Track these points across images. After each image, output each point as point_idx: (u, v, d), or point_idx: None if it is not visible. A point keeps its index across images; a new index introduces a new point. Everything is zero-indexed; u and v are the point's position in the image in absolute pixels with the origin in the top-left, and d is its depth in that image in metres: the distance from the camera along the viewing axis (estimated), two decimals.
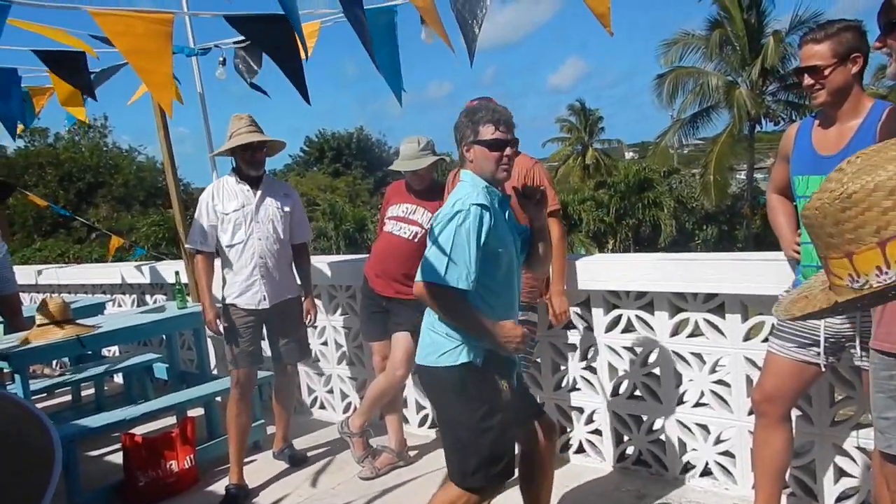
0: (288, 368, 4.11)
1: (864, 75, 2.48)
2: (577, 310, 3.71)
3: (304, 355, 4.15)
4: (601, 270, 3.57)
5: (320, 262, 4.70)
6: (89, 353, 5.14)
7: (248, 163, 3.77)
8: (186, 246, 3.95)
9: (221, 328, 3.86)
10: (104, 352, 6.08)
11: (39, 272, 7.20)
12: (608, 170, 35.55)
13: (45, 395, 5.39)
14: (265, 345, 4.02)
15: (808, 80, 2.46)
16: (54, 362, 5.90)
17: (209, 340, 5.21)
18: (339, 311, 4.73)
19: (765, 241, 29.30)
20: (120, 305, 6.47)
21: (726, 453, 3.37)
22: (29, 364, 4.39)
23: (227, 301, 3.83)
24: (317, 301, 4.79)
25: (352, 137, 41.18)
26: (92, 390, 5.58)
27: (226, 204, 3.77)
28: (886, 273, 1.05)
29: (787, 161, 2.64)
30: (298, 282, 4.01)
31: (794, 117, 27.09)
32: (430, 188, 3.79)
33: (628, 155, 47.42)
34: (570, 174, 38.12)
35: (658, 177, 31.12)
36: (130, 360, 5.29)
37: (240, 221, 3.75)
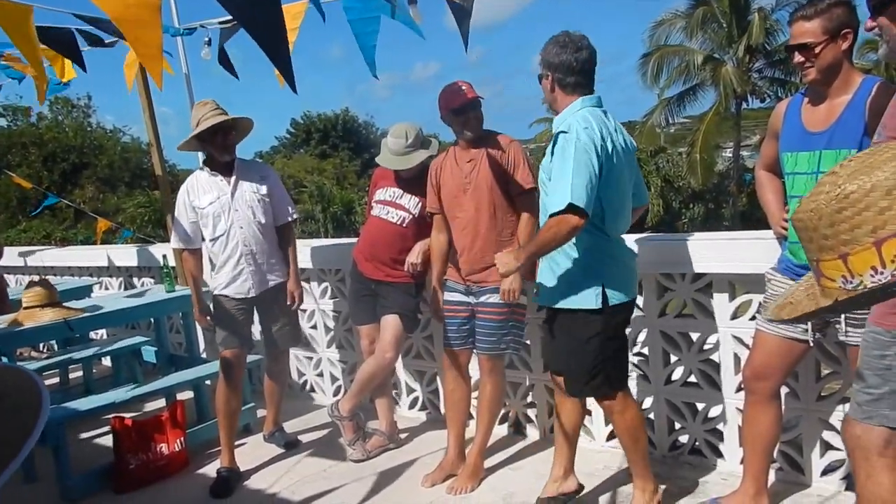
0: (282, 353, 4.11)
1: (853, 51, 2.49)
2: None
3: (297, 340, 4.15)
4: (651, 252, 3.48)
5: (308, 246, 4.68)
6: (77, 335, 5.13)
7: (221, 147, 3.71)
8: (171, 246, 3.95)
9: (210, 322, 3.87)
10: (92, 335, 6.05)
11: (24, 254, 7.12)
12: None
13: None
14: (256, 330, 4.01)
15: (798, 58, 2.45)
16: (42, 345, 5.88)
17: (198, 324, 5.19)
18: (328, 295, 4.72)
19: (751, 218, 29.45)
20: (107, 288, 6.42)
21: (714, 431, 3.41)
22: (16, 347, 4.35)
23: (216, 292, 3.81)
24: (306, 285, 4.79)
25: (338, 119, 40.88)
26: (80, 373, 5.56)
27: (201, 198, 3.73)
28: (882, 273, 1.06)
29: (776, 138, 2.65)
30: None
31: (780, 94, 27.13)
32: (418, 176, 3.76)
33: None
34: None
35: (645, 156, 31.11)
36: (119, 343, 5.26)
37: (218, 213, 3.71)
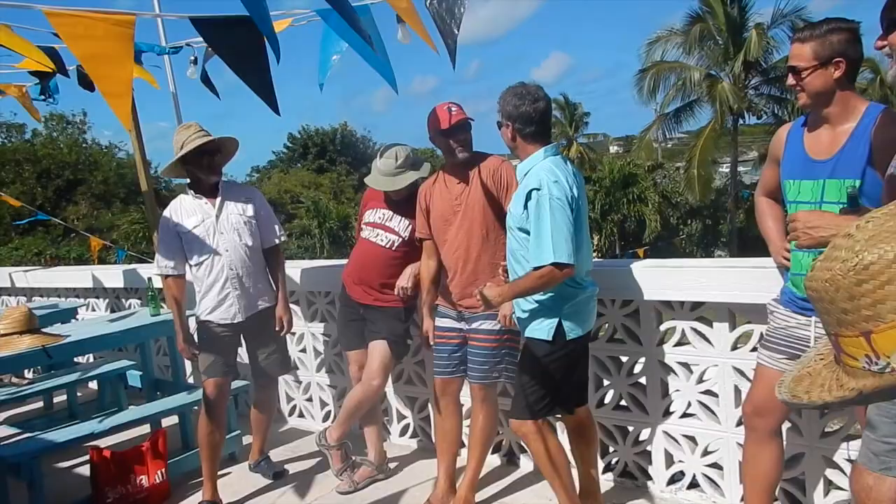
0: (270, 381, 3.99)
1: (854, 78, 2.38)
2: (623, 320, 3.53)
3: (286, 368, 4.01)
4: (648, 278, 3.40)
5: (298, 268, 4.57)
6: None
7: (207, 169, 3.61)
8: (154, 271, 3.80)
9: (194, 352, 3.71)
10: (78, 358, 5.91)
11: (11, 275, 7.00)
12: (592, 164, 35.55)
13: (12, 404, 5.20)
14: (243, 355, 3.89)
15: (790, 80, 2.39)
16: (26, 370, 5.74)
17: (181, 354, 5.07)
18: (317, 318, 4.60)
19: (748, 235, 29.43)
20: (94, 310, 6.30)
21: (714, 465, 3.28)
22: None
23: (201, 318, 3.68)
24: (295, 308, 4.68)
25: (336, 133, 40.88)
26: (65, 396, 5.42)
27: (185, 221, 3.61)
28: None
29: (777, 163, 2.54)
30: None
31: (776, 111, 27.21)
32: (407, 199, 3.66)
33: (613, 149, 47.51)
34: None
35: (642, 172, 31.15)
36: (103, 367, 5.13)
37: (203, 236, 3.59)
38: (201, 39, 4.26)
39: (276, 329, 3.81)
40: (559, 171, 2.80)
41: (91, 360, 5.95)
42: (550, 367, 2.89)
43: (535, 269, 2.73)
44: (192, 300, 3.76)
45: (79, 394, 5.58)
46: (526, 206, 2.78)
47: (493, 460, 3.85)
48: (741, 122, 28.27)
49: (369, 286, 3.69)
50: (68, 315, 5.61)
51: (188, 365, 5.23)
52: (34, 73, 4.59)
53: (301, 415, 4.85)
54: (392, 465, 3.96)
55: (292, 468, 4.11)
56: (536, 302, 2.90)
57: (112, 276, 6.00)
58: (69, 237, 22.05)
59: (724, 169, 31.32)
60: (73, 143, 27.80)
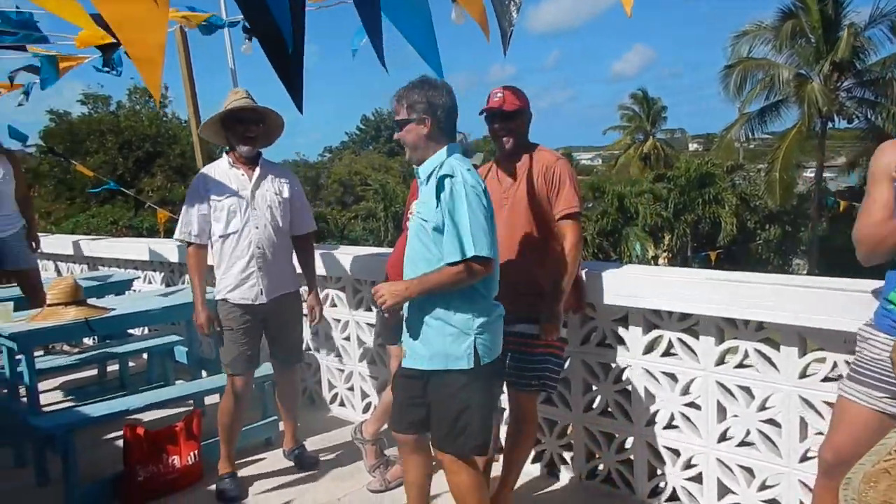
0: (290, 370, 3.87)
1: None
2: (611, 325, 3.38)
3: (299, 358, 3.88)
4: (639, 285, 3.21)
5: (345, 255, 4.45)
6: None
7: (241, 138, 3.46)
8: (176, 236, 3.60)
9: (215, 330, 3.57)
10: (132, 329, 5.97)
11: (76, 243, 7.14)
12: (669, 161, 34.54)
13: (69, 370, 5.28)
14: (264, 341, 3.77)
15: None
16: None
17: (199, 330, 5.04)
18: (363, 306, 4.47)
19: (831, 245, 28.08)
20: (150, 282, 6.36)
21: (772, 501, 3.00)
22: (35, 346, 4.25)
23: (220, 296, 3.53)
24: (341, 294, 4.57)
25: None
26: (118, 366, 5.47)
27: (219, 190, 3.47)
28: None
29: (891, 182, 2.13)
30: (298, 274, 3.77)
31: (869, 116, 25.80)
32: None
33: (692, 146, 46.18)
34: (629, 164, 37.19)
35: (720, 172, 30.05)
36: (153, 341, 5.17)
37: (234, 209, 3.45)
38: None
39: (310, 320, 3.71)
40: (468, 165, 2.59)
41: (146, 331, 6.00)
42: (472, 400, 2.57)
43: (450, 264, 2.47)
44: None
45: (131, 364, 5.64)
46: (439, 198, 2.51)
47: (531, 469, 3.66)
48: (830, 125, 26.90)
49: None
50: (122, 287, 5.66)
51: None
52: (98, 47, 4.58)
53: (342, 403, 4.75)
54: None
55: (327, 459, 4.01)
56: (447, 324, 2.56)
57: (169, 250, 6.03)
58: (144, 208, 22.66)
59: (809, 174, 29.93)
60: (153, 116, 28.56)
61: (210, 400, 4.50)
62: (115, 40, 4.23)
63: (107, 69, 4.85)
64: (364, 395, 4.60)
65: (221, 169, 3.53)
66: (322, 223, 29.97)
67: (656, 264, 27.71)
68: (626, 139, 38.34)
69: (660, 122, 38.27)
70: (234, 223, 3.46)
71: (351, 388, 4.68)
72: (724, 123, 29.31)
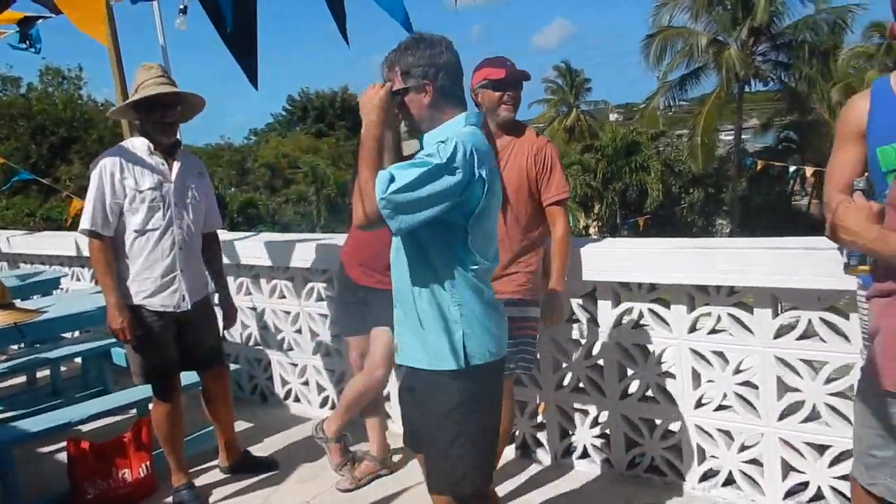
0: (218, 372, 3.53)
1: None
2: (580, 301, 3.30)
3: (222, 360, 3.57)
4: (608, 259, 3.14)
5: (293, 243, 4.24)
6: None
7: (158, 125, 3.10)
8: (81, 227, 3.11)
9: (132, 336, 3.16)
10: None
11: None
12: (593, 132, 35.00)
13: None
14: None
15: None
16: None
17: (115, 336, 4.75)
18: (314, 297, 4.27)
19: (750, 204, 29.12)
20: (78, 280, 5.97)
21: (753, 461, 2.99)
22: None
23: (135, 302, 3.15)
24: (289, 284, 4.37)
25: (336, 97, 40.11)
26: (48, 372, 5.11)
27: (139, 179, 3.10)
28: None
29: (858, 140, 2.12)
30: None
31: (783, 78, 26.71)
32: None
33: (613, 116, 46.94)
34: (554, 137, 37.53)
35: (645, 140, 30.66)
36: (85, 344, 4.83)
37: (157, 203, 3.11)
38: None
39: (227, 325, 3.53)
40: (480, 144, 2.07)
41: (76, 334, 5.63)
42: (467, 419, 2.13)
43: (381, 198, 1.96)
44: None
45: (63, 369, 5.29)
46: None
47: (507, 452, 3.57)
48: (747, 89, 27.76)
49: (370, 267, 3.35)
50: (49, 286, 5.29)
51: None
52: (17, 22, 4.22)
53: (297, 399, 4.55)
54: (396, 459, 3.66)
55: (287, 459, 3.81)
56: (436, 314, 2.12)
57: None
58: (58, 196, 21.38)
59: (728, 137, 30.83)
60: (68, 99, 26.89)
61: None
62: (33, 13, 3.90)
63: (24, 45, 4.47)
64: (321, 389, 4.41)
65: (139, 154, 3.15)
66: (252, 209, 29.21)
67: (587, 234, 28.20)
68: (551, 112, 38.62)
69: (583, 94, 38.66)
70: (156, 219, 3.12)
71: (306, 383, 4.48)
72: (644, 93, 29.96)
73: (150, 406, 3.48)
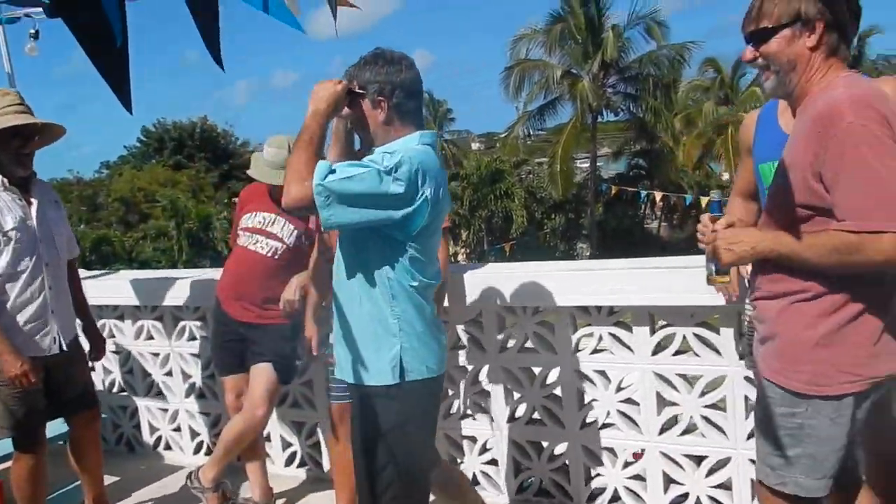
0: (90, 416, 3.22)
1: None
2: (464, 327, 3.30)
3: (95, 401, 3.28)
4: (493, 284, 3.16)
5: (163, 280, 4.00)
6: None
7: (14, 156, 2.85)
8: None
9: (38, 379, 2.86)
10: None
11: None
12: (457, 161, 35.78)
13: None
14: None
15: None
16: None
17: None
18: (185, 336, 4.03)
19: (607, 228, 30.71)
20: None
21: (637, 477, 3.08)
22: None
23: None
24: (157, 324, 4.11)
25: (195, 127, 38.66)
26: None
27: (2, 218, 2.83)
28: None
29: (749, 154, 2.27)
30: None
31: (632, 109, 28.50)
32: None
33: (475, 146, 48.18)
34: None
35: (508, 168, 31.66)
36: None
37: (22, 244, 2.84)
38: (41, 9, 3.60)
39: (94, 355, 3.27)
40: (430, 164, 2.09)
41: None
42: (400, 445, 2.14)
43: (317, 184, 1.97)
44: None
45: None
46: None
47: None
48: (600, 118, 29.41)
49: (249, 301, 3.21)
50: None
51: None
52: None
53: (168, 447, 4.25)
54: (280, 502, 3.48)
55: None
56: (375, 326, 2.14)
57: None
58: None
59: (585, 165, 32.43)
60: None
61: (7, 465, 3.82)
62: None
63: None
64: (194, 435, 4.15)
65: None
66: (106, 246, 27.51)
67: (456, 261, 28.63)
68: None
69: (446, 124, 39.52)
70: (24, 261, 2.85)
71: (178, 429, 4.20)
72: (503, 121, 31.02)
73: (10, 464, 3.11)
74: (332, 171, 1.99)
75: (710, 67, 30.08)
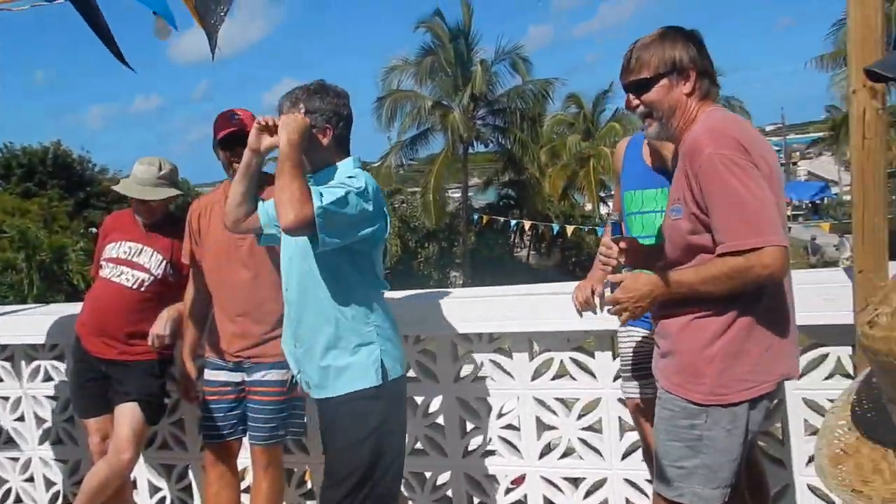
0: None
1: None
2: None
3: None
4: None
5: (13, 315, 3.68)
6: None
7: None
8: None
9: None
10: None
11: None
12: None
13: None
14: None
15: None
16: None
17: None
18: (40, 377, 3.71)
19: (479, 256, 31.34)
20: None
21: (518, 503, 3.12)
22: None
23: None
24: (6, 364, 3.77)
25: (47, 153, 36.15)
26: None
27: None
28: None
29: (619, 179, 2.43)
30: None
31: (501, 140, 29.39)
32: (162, 222, 3.07)
33: None
34: None
35: (383, 196, 31.73)
36: None
37: None
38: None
39: None
40: (376, 183, 2.39)
41: None
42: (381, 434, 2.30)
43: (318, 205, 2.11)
44: None
45: None
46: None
47: None
48: (470, 150, 30.09)
49: (112, 337, 3.02)
50: None
51: None
52: None
53: (19, 500, 3.88)
54: None
55: None
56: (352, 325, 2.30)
57: None
58: None
59: (457, 194, 33.04)
60: None
61: None
62: None
63: None
64: (50, 485, 3.81)
65: None
66: None
67: None
68: None
69: None
70: None
71: (30, 479, 3.85)
72: (374, 150, 31.18)
73: None
74: (322, 195, 2.11)
75: (572, 103, 31.60)
